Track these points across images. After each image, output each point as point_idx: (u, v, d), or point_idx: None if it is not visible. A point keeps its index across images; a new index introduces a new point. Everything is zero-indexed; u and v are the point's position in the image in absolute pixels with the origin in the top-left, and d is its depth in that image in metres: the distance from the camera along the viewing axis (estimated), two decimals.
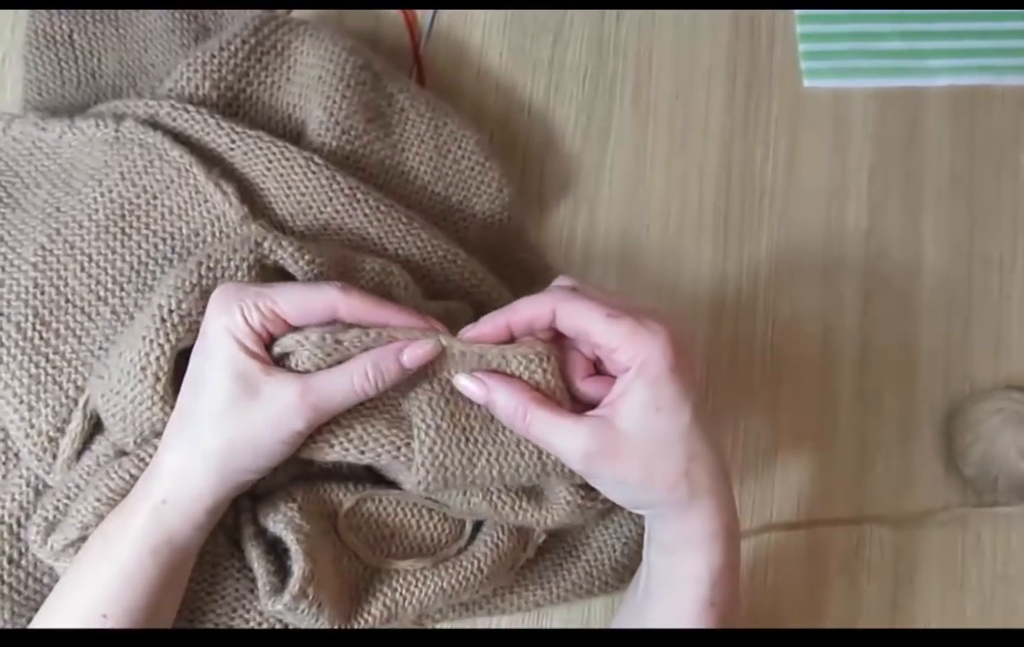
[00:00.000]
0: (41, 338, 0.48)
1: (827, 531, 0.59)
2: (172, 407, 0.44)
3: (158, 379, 0.44)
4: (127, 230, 0.49)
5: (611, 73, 0.64)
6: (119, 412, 0.45)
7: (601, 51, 0.64)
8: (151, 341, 0.44)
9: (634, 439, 0.41)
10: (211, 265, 0.46)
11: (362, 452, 0.44)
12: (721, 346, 0.61)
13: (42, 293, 0.48)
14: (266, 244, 0.47)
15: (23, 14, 0.59)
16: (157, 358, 0.44)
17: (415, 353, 0.43)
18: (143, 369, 0.44)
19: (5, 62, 0.60)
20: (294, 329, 0.43)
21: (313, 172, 0.51)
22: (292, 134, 0.55)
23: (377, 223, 0.51)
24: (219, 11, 0.60)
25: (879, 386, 0.61)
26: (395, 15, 0.63)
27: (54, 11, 0.59)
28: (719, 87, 0.64)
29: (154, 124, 0.51)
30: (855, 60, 0.65)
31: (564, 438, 0.42)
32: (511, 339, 0.44)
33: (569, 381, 0.44)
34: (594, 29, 0.64)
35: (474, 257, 0.55)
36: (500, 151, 0.60)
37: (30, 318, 0.48)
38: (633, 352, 0.41)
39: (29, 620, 0.47)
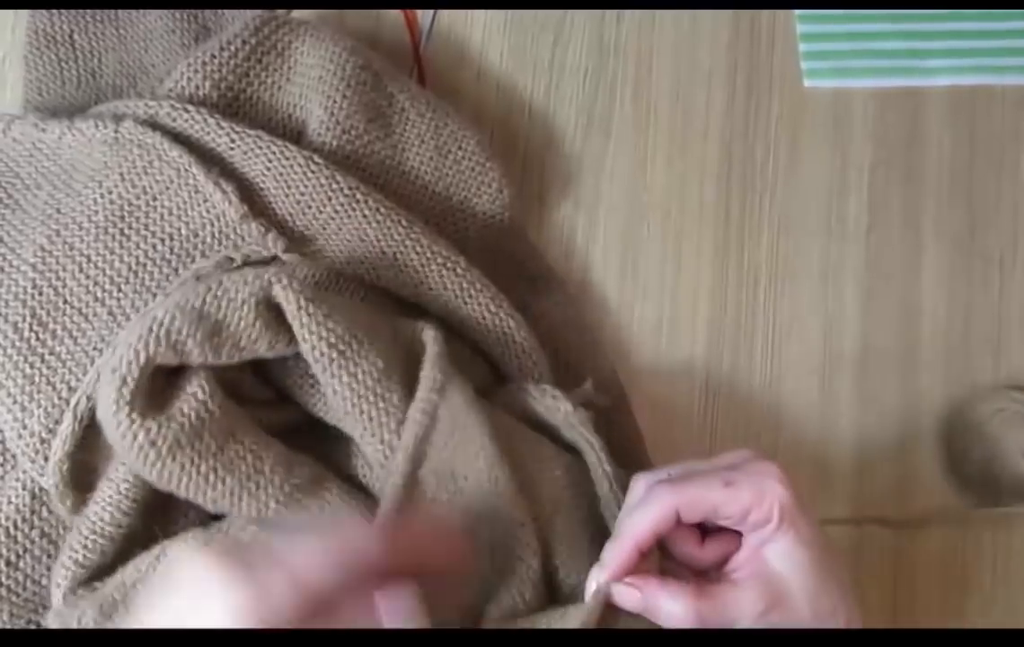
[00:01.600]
0: (38, 339, 0.48)
1: (827, 531, 0.59)
2: (136, 416, 0.42)
3: (124, 382, 0.42)
4: (126, 231, 0.49)
5: (611, 73, 0.64)
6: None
7: (601, 51, 0.64)
8: (130, 345, 0.43)
9: (792, 581, 0.42)
10: (218, 293, 0.45)
11: None
12: (721, 345, 0.61)
13: (40, 294, 0.48)
14: (276, 289, 0.45)
15: (23, 14, 0.59)
16: (130, 362, 0.42)
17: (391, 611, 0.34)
18: (113, 371, 0.42)
19: (5, 62, 0.60)
20: None
21: (312, 171, 0.51)
22: (292, 134, 0.55)
23: (376, 224, 0.51)
24: (219, 11, 0.60)
25: (879, 386, 0.61)
26: (395, 15, 0.63)
27: (54, 11, 0.59)
28: (719, 87, 0.64)
29: (153, 124, 0.51)
30: (855, 60, 0.65)
31: (736, 609, 0.42)
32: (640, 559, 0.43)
33: (688, 558, 0.45)
34: (594, 29, 0.64)
35: (474, 264, 0.55)
36: (500, 151, 0.60)
37: (27, 318, 0.48)
38: (768, 503, 0.42)
39: (27, 621, 0.47)
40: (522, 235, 0.61)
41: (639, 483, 0.45)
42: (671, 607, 0.42)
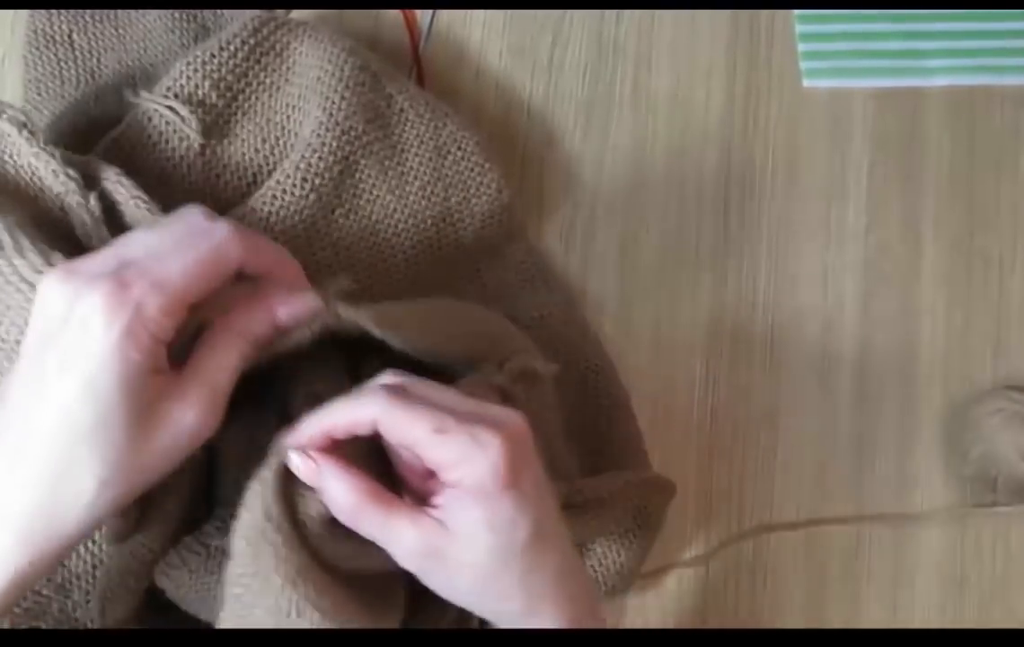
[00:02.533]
0: None
1: (827, 531, 0.59)
2: None
3: None
4: None
5: (611, 73, 0.64)
6: None
7: (601, 51, 0.64)
8: None
9: (467, 550, 0.38)
10: None
11: None
12: (721, 345, 0.61)
13: None
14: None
15: (23, 14, 0.59)
16: None
17: (292, 310, 0.37)
18: None
19: (5, 62, 0.60)
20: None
21: None
22: (290, 134, 0.55)
23: None
24: (218, 11, 0.59)
25: (879, 386, 0.61)
26: (394, 15, 0.63)
27: (54, 11, 0.59)
28: (719, 87, 0.64)
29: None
30: (854, 60, 0.65)
31: (395, 537, 0.38)
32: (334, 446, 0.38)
33: (404, 478, 0.40)
34: (594, 29, 0.64)
35: (474, 264, 0.54)
36: (499, 151, 0.60)
37: None
38: (463, 472, 0.37)
39: (28, 627, 0.47)
40: (522, 235, 0.61)
41: (384, 374, 0.40)
42: (336, 489, 0.37)
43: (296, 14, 0.58)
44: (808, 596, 0.59)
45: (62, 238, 0.45)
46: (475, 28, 0.64)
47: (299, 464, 0.37)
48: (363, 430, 0.38)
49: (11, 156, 0.47)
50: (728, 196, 0.63)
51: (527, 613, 0.39)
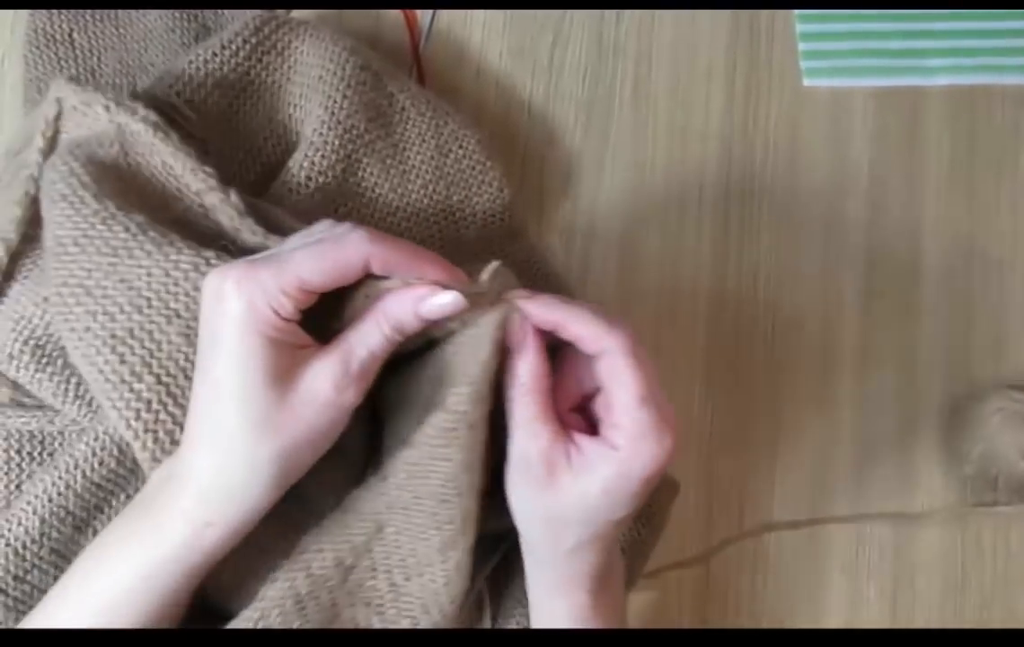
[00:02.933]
0: None
1: (827, 531, 0.59)
2: None
3: None
4: None
5: (611, 73, 0.64)
6: None
7: (601, 51, 0.64)
8: None
9: (573, 491, 0.40)
10: None
11: None
12: (721, 346, 0.61)
13: None
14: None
15: (23, 14, 0.59)
16: None
17: (433, 303, 0.39)
18: None
19: (5, 62, 0.60)
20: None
21: None
22: (292, 134, 0.55)
23: None
24: (219, 11, 0.59)
25: (879, 386, 0.61)
26: (395, 15, 0.63)
27: (54, 11, 0.59)
28: (719, 87, 0.64)
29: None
30: (855, 59, 0.65)
31: (533, 431, 0.40)
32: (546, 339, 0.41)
33: (557, 402, 0.41)
34: (594, 29, 0.64)
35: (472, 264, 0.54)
36: (500, 150, 0.60)
37: None
38: (633, 449, 0.39)
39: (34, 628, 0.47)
40: (522, 235, 0.61)
41: (623, 325, 0.41)
42: (529, 360, 0.40)
43: (297, 14, 0.58)
44: (808, 596, 0.59)
45: (207, 236, 0.46)
46: (475, 28, 0.64)
47: (525, 314, 0.40)
48: (587, 348, 0.40)
49: (143, 156, 0.47)
50: (728, 196, 0.63)
51: (563, 564, 0.42)
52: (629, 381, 0.39)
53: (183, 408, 0.42)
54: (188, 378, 0.42)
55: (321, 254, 0.39)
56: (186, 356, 0.43)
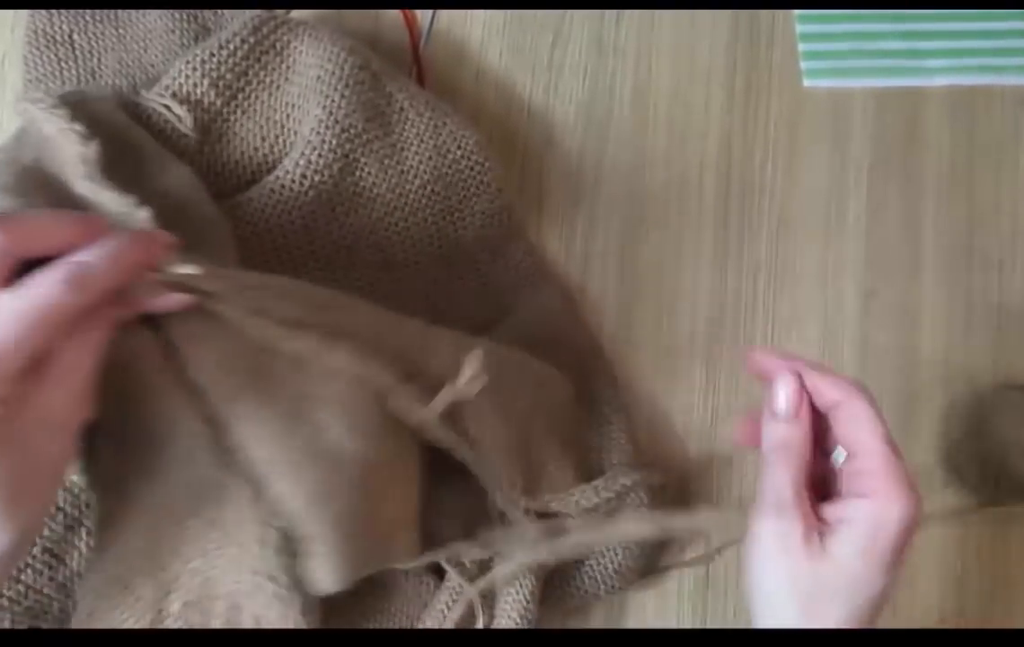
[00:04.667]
0: None
1: None
2: None
3: None
4: None
5: (611, 73, 0.64)
6: None
7: (601, 51, 0.64)
8: None
9: (831, 560, 0.38)
10: None
11: None
12: (721, 345, 0.61)
13: None
14: None
15: (23, 14, 0.59)
16: None
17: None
18: None
19: (5, 62, 0.60)
20: None
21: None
22: (290, 133, 0.55)
23: None
24: (219, 11, 0.59)
25: (879, 386, 0.61)
26: (395, 15, 0.63)
27: (54, 11, 0.59)
28: (719, 87, 0.64)
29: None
30: (854, 60, 0.65)
31: (790, 502, 0.39)
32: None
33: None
34: (594, 29, 0.64)
35: (472, 264, 0.54)
36: (500, 151, 0.60)
37: None
38: (887, 492, 0.37)
39: (29, 626, 0.47)
40: (522, 234, 0.60)
41: (854, 381, 0.41)
42: (799, 428, 0.40)
43: (296, 14, 0.58)
44: None
45: None
46: (475, 28, 0.64)
47: (790, 381, 0.41)
48: (825, 395, 0.40)
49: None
50: (728, 196, 0.63)
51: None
52: (877, 424, 0.39)
53: None
54: None
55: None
56: None
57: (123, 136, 0.48)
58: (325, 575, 0.41)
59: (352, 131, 0.53)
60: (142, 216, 0.40)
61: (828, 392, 0.40)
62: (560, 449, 0.53)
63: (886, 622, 0.58)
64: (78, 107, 0.46)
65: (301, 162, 0.52)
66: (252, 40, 0.53)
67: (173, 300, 0.39)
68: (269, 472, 0.41)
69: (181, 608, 0.42)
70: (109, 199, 0.42)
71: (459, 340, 0.49)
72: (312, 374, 0.43)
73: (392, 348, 0.46)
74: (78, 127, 0.44)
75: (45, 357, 0.35)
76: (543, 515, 0.51)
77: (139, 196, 0.41)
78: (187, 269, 0.38)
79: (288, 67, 0.54)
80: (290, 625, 0.42)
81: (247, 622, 0.42)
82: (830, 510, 0.39)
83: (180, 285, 0.39)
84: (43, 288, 0.34)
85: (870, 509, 0.38)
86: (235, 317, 0.40)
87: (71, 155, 0.43)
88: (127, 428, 0.42)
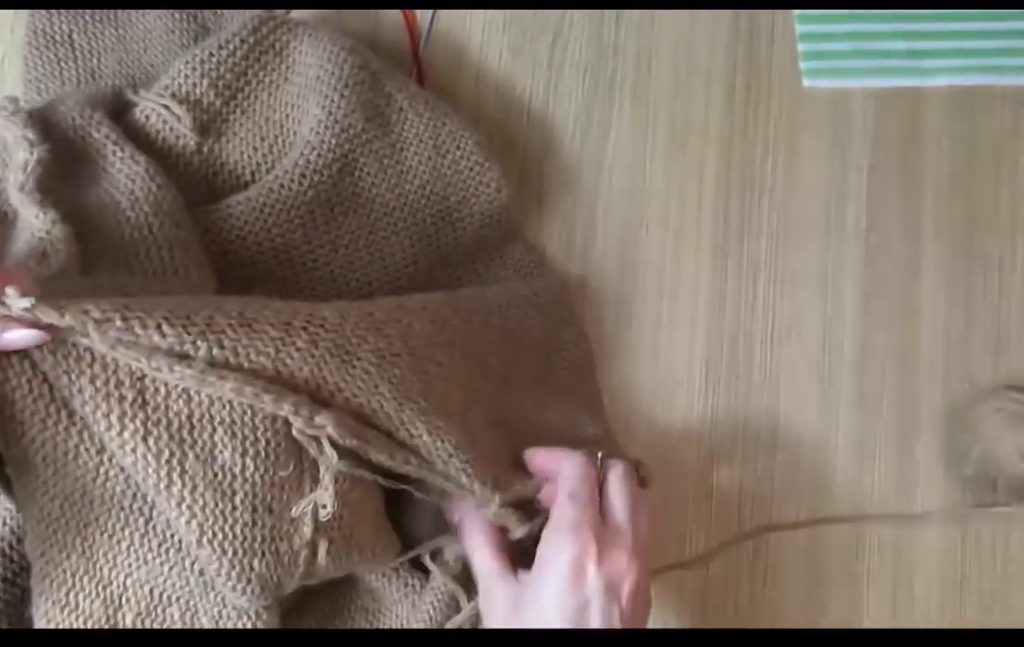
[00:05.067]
0: None
1: (827, 531, 0.59)
2: None
3: None
4: None
5: (611, 73, 0.64)
6: None
7: (601, 51, 0.64)
8: None
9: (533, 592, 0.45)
10: None
11: None
12: (721, 346, 0.61)
13: None
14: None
15: (23, 14, 0.59)
16: None
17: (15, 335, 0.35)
18: None
19: (5, 62, 0.60)
20: None
21: None
22: (289, 133, 0.55)
23: None
24: (218, 11, 0.60)
25: (879, 386, 0.61)
26: (395, 15, 0.63)
27: (54, 11, 0.59)
28: (719, 87, 0.64)
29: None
30: (855, 60, 0.65)
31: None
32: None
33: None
34: (594, 29, 0.64)
35: (472, 265, 0.54)
36: (499, 151, 0.60)
37: None
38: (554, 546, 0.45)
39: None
40: (521, 235, 0.60)
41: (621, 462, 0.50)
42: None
43: (296, 14, 0.58)
44: (808, 596, 0.59)
45: None
46: (475, 28, 0.64)
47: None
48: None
49: None
50: (728, 196, 0.63)
51: None
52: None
53: None
54: None
55: None
56: None
57: (80, 145, 0.48)
58: (232, 593, 0.41)
59: (351, 131, 0.53)
60: (57, 234, 0.41)
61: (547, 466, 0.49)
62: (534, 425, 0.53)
63: (886, 622, 0.59)
64: (36, 114, 0.46)
65: (300, 162, 0.52)
66: (251, 40, 0.53)
67: (18, 337, 0.37)
68: (159, 496, 0.41)
69: (134, 621, 0.42)
70: (30, 213, 0.42)
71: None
72: (201, 399, 0.41)
73: (301, 374, 0.42)
74: (29, 134, 0.45)
75: None
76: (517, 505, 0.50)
77: (67, 210, 0.42)
78: (23, 302, 0.36)
79: (287, 67, 0.54)
80: (247, 622, 0.42)
81: (205, 623, 0.42)
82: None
83: (31, 321, 0.37)
84: None
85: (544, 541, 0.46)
86: (104, 349, 0.39)
87: (17, 162, 0.44)
88: (28, 456, 0.41)
